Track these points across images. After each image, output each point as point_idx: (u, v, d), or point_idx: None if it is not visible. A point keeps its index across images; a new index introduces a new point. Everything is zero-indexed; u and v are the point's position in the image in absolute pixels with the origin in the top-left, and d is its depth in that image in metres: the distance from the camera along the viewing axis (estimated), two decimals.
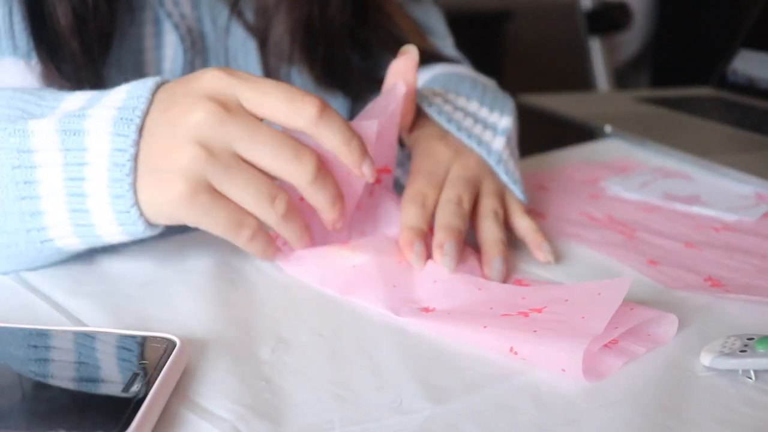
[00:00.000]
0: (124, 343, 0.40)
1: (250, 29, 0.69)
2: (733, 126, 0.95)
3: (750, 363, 0.41)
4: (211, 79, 0.45)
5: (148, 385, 0.36)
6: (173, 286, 0.49)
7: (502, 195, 0.59)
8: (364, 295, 0.48)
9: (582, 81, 1.92)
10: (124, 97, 0.46)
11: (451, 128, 0.60)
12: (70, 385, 0.36)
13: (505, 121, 0.63)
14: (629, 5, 1.82)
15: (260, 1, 0.67)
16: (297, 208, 0.49)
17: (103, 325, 0.44)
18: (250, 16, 0.69)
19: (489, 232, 0.55)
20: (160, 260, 0.52)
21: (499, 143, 0.61)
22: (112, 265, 0.51)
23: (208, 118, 0.44)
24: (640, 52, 1.98)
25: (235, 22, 0.69)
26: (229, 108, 0.45)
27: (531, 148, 0.88)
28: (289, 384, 0.39)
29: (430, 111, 0.60)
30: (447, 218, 0.54)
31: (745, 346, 0.42)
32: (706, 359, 0.42)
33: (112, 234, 0.47)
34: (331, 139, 0.47)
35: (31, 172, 0.45)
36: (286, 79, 0.69)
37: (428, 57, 0.74)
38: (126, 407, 0.34)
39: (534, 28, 2.39)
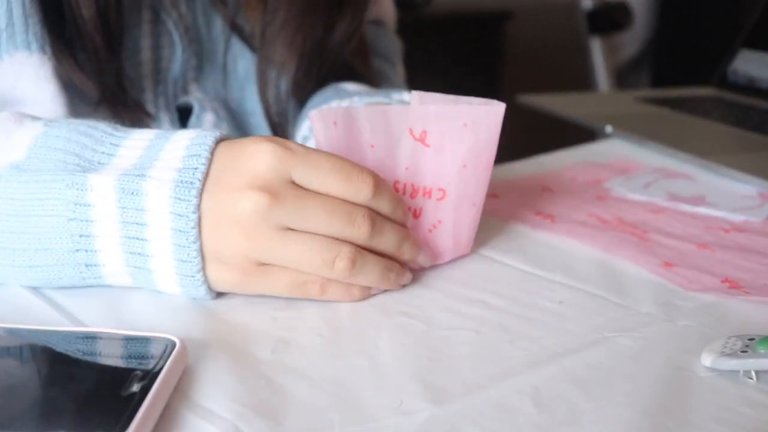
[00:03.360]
0: (123, 343, 0.40)
1: (248, 42, 0.69)
2: (734, 126, 0.95)
3: (751, 363, 0.41)
4: (264, 158, 0.44)
5: (148, 385, 0.36)
6: None
7: None
8: None
9: (582, 81, 1.92)
10: (182, 155, 0.45)
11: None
12: (70, 386, 0.36)
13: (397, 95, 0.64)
14: (630, 5, 1.82)
15: (262, 13, 0.67)
16: (369, 251, 0.48)
17: (103, 325, 0.44)
18: (245, 24, 0.68)
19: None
20: None
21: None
22: None
23: (254, 209, 0.44)
24: (640, 52, 1.99)
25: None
26: (277, 193, 0.44)
27: (531, 149, 0.88)
28: (289, 384, 0.39)
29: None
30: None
31: (746, 346, 0.41)
32: (707, 360, 0.41)
33: (172, 291, 0.47)
34: (383, 209, 0.47)
35: (86, 225, 0.44)
36: (276, 84, 0.68)
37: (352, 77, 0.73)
38: (126, 407, 0.34)
39: (534, 28, 2.39)
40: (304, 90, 0.69)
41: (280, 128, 0.70)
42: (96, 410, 0.34)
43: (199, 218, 0.44)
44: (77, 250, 0.45)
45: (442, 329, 0.45)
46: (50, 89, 0.56)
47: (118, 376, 0.36)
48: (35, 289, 0.48)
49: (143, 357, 0.38)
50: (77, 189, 0.44)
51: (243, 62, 0.70)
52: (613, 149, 0.87)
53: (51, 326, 0.41)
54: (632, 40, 1.95)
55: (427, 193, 0.52)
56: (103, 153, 0.46)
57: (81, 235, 0.45)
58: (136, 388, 0.35)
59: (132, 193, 0.44)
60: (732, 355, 0.41)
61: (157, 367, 0.37)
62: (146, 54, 0.66)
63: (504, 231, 0.60)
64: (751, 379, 0.41)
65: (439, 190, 0.52)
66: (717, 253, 0.57)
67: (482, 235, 0.58)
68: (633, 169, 0.79)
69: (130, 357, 0.38)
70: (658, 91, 1.21)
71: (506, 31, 2.35)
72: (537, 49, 2.37)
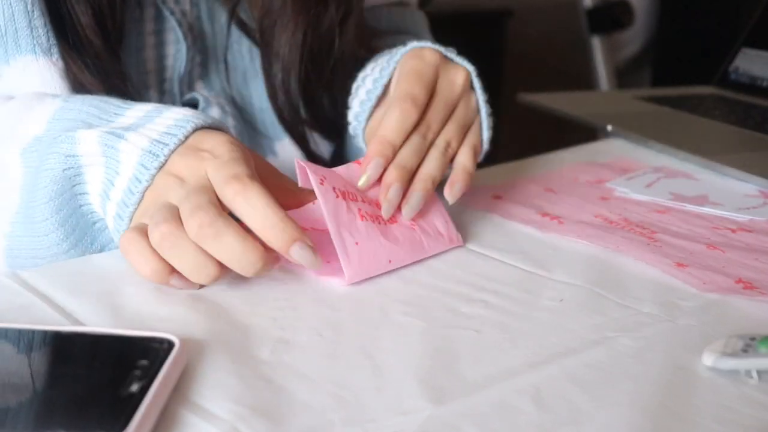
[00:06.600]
0: (123, 343, 0.40)
1: (251, 37, 0.68)
2: (734, 125, 0.95)
3: (752, 363, 0.41)
4: (210, 172, 0.47)
5: (147, 385, 0.36)
6: None
7: (468, 125, 0.59)
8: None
9: (583, 80, 1.92)
10: (162, 131, 0.49)
11: (439, 47, 0.60)
12: (69, 386, 0.36)
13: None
14: (631, 3, 1.82)
15: (264, 7, 0.67)
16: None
17: (103, 325, 0.44)
18: (249, 20, 0.68)
19: (428, 165, 0.55)
20: None
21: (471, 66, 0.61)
22: (111, 265, 0.51)
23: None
24: (641, 50, 1.98)
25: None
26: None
27: (532, 148, 0.88)
28: (288, 384, 0.39)
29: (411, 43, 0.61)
30: (427, 165, 0.55)
31: (747, 346, 0.41)
32: (708, 359, 0.41)
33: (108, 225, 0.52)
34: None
35: (78, 169, 0.50)
36: (287, 84, 0.68)
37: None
38: (125, 407, 0.34)
39: (535, 26, 2.38)
40: (312, 85, 0.69)
41: (291, 125, 0.70)
42: (95, 410, 0.34)
43: (146, 188, 0.48)
44: (66, 169, 0.51)
45: (442, 329, 0.45)
46: (57, 91, 0.56)
47: (117, 376, 0.36)
48: (35, 289, 0.48)
49: (142, 357, 0.38)
50: (69, 142, 0.50)
51: (249, 58, 0.70)
52: (614, 148, 0.87)
53: (50, 326, 0.41)
54: (633, 38, 1.94)
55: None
56: (106, 121, 0.52)
57: (75, 175, 0.51)
58: (135, 388, 0.35)
59: (111, 148, 0.49)
60: (733, 354, 0.41)
61: (156, 367, 0.37)
62: (150, 52, 0.66)
63: (510, 233, 0.60)
64: (752, 378, 0.41)
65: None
66: (727, 254, 0.57)
67: (487, 235, 0.58)
68: (634, 168, 0.78)
69: (129, 357, 0.38)
70: (659, 89, 1.21)
71: (507, 29, 2.35)
72: (538, 47, 2.37)
